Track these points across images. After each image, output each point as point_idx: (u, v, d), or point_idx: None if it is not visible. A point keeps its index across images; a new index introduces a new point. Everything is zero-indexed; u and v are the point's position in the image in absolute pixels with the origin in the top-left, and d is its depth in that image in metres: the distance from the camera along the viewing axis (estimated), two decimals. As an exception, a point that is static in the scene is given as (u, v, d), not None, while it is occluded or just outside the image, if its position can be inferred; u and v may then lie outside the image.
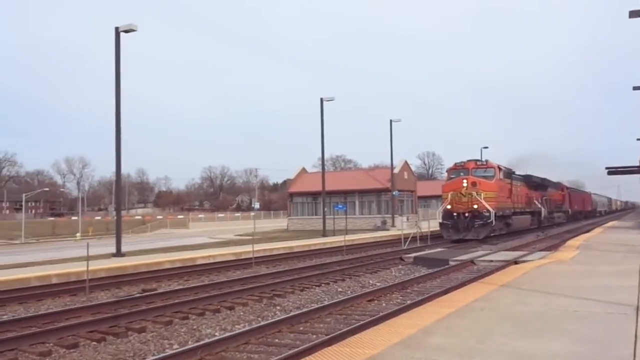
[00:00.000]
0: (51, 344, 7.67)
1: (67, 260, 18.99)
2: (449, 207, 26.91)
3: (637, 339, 5.35)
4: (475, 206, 25.89)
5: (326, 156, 36.96)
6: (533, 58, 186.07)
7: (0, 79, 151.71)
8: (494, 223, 25.61)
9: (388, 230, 38.04)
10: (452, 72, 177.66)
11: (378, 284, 13.38)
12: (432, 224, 28.22)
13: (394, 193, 42.04)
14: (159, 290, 12.50)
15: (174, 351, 6.90)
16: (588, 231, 30.49)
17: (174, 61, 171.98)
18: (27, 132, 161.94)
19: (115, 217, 22.95)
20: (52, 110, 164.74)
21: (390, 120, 41.25)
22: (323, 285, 13.24)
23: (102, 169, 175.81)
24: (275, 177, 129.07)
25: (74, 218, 78.82)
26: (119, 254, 19.74)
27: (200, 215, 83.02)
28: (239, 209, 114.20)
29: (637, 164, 28.70)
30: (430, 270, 15.21)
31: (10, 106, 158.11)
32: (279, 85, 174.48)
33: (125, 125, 20.69)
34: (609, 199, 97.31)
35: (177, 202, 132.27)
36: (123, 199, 67.75)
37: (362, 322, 8.04)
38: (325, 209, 35.44)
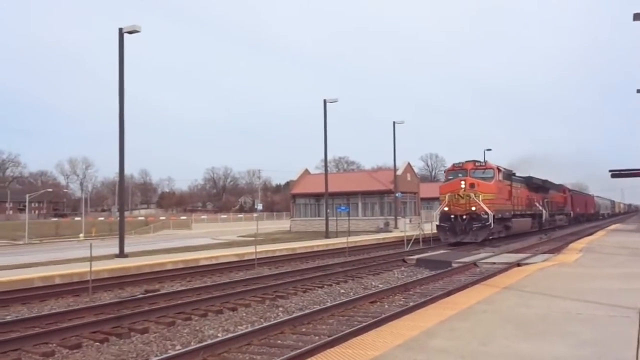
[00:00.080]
0: (54, 345, 7.70)
1: (71, 261, 19.04)
2: (446, 209, 26.29)
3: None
4: (474, 208, 25.29)
5: (329, 157, 37.02)
6: (533, 58, 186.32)
7: (2, 80, 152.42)
8: (492, 226, 25.05)
9: (391, 232, 38.01)
10: (453, 73, 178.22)
11: (380, 285, 13.37)
12: (434, 226, 28.13)
13: (396, 195, 42.01)
14: (162, 291, 12.52)
15: (177, 352, 6.91)
16: (591, 234, 30.41)
17: (174, 61, 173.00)
18: (30, 133, 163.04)
19: (118, 218, 23.00)
20: (54, 111, 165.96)
21: (394, 122, 41.25)
22: (326, 286, 13.25)
23: (106, 170, 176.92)
24: (278, 179, 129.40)
25: (77, 219, 79.04)
26: (122, 254, 19.78)
27: (203, 217, 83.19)
28: (241, 210, 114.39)
29: None
30: (433, 272, 15.20)
31: (13, 107, 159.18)
32: (280, 86, 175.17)
33: (127, 126, 20.74)
34: (612, 202, 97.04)
35: (180, 203, 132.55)
36: (126, 199, 67.99)
37: (364, 324, 8.04)
38: (328, 210, 35.43)
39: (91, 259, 13.43)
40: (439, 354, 5.06)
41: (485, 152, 49.84)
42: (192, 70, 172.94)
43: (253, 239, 26.65)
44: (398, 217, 41.98)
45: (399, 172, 43.73)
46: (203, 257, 18.80)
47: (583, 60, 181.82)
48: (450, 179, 27.40)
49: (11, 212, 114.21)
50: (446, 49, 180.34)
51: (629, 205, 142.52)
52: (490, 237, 25.72)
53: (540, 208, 35.70)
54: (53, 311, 10.23)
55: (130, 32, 20.51)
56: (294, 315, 9.32)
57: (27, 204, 59.80)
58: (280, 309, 10.43)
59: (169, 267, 16.76)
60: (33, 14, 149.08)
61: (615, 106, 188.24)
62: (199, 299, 10.88)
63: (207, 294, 11.88)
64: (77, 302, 11.51)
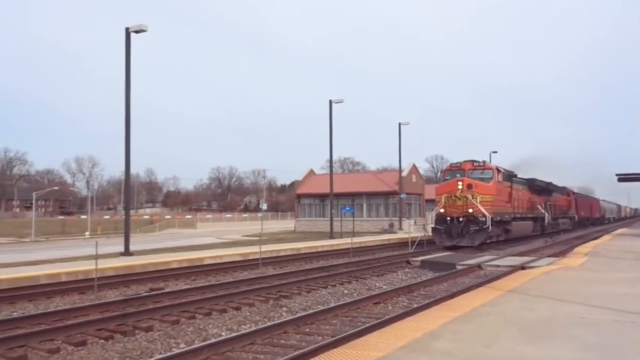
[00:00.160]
0: (60, 341, 7.74)
1: (76, 259, 19.13)
2: (442, 210, 25.06)
3: (644, 347, 5.33)
4: (471, 210, 24.10)
5: (334, 158, 37.01)
6: (533, 58, 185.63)
7: (2, 80, 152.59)
8: (490, 229, 23.91)
9: (395, 233, 37.95)
10: (453, 72, 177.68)
11: (384, 286, 13.38)
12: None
13: (401, 196, 41.95)
14: (167, 290, 12.57)
15: (181, 350, 6.94)
16: (596, 238, 30.24)
17: (174, 61, 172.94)
18: (36, 132, 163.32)
19: (123, 217, 23.10)
20: (61, 110, 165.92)
21: (399, 124, 41.23)
22: (329, 287, 13.26)
23: (112, 169, 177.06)
24: (283, 179, 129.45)
25: (83, 217, 79.47)
26: (127, 253, 19.87)
27: (208, 216, 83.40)
28: (246, 209, 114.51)
29: None
30: (437, 274, 15.18)
31: (19, 106, 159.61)
32: (281, 86, 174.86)
33: (134, 125, 20.85)
34: (618, 206, 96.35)
35: (185, 202, 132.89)
36: (132, 198, 68.19)
37: (368, 325, 8.05)
38: (333, 211, 35.44)
39: (97, 257, 13.52)
40: (442, 356, 5.06)
41: (491, 154, 49.72)
42: (192, 70, 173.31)
43: (257, 238, 26.68)
44: (403, 219, 41.93)
45: (404, 174, 43.69)
46: (208, 256, 18.85)
47: (583, 60, 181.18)
48: (447, 180, 26.15)
49: (18, 209, 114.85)
50: (446, 49, 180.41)
51: (636, 209, 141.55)
52: (488, 241, 24.79)
53: (543, 211, 34.64)
54: (59, 308, 10.29)
55: (137, 32, 20.59)
56: (298, 315, 9.33)
57: (33, 201, 60.10)
58: (284, 308, 10.45)
59: (174, 265, 16.82)
60: (33, 14, 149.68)
61: (616, 106, 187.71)
62: (203, 298, 10.91)
63: (212, 293, 11.92)
64: (83, 300, 11.59)
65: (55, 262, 18.11)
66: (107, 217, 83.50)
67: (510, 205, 27.91)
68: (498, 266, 16.73)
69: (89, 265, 14.30)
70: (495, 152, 50.81)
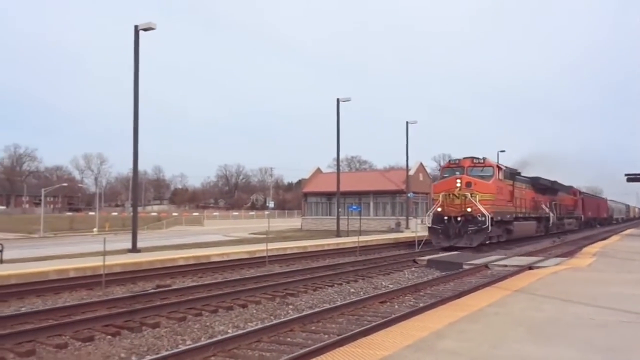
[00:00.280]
0: (67, 337, 7.81)
1: (84, 255, 19.26)
2: (439, 209, 23.86)
3: (653, 349, 5.29)
4: (469, 209, 22.96)
5: (341, 157, 36.94)
6: (533, 58, 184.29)
7: (2, 80, 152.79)
8: (489, 229, 22.81)
9: (402, 232, 37.89)
10: (454, 72, 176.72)
11: (391, 285, 13.36)
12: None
13: (408, 195, 41.87)
14: (173, 287, 12.62)
15: (187, 347, 6.97)
16: (605, 238, 30.02)
17: (178, 60, 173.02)
18: (36, 132, 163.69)
19: (131, 213, 23.22)
20: (61, 110, 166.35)
21: (407, 122, 41.17)
22: (336, 285, 13.26)
23: (120, 166, 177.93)
24: (290, 177, 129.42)
25: (91, 213, 79.96)
26: (134, 249, 19.98)
27: (215, 213, 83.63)
28: (253, 207, 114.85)
29: None
30: (444, 274, 15.14)
31: (13, 107, 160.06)
32: (283, 85, 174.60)
33: (142, 122, 20.91)
34: (627, 206, 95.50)
35: (193, 200, 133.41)
36: (139, 195, 68.57)
37: (374, 324, 8.04)
38: (340, 209, 35.44)
39: (104, 253, 13.61)
40: (448, 355, 5.04)
41: (499, 153, 49.49)
42: (196, 70, 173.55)
43: (264, 236, 26.75)
44: (410, 218, 41.86)
45: (411, 172, 43.59)
46: (214, 253, 18.92)
47: (583, 60, 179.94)
48: (445, 177, 24.90)
49: (27, 205, 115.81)
50: (446, 49, 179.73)
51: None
52: (488, 242, 23.85)
53: (547, 211, 33.60)
54: (67, 304, 10.38)
55: (145, 29, 20.66)
56: (304, 313, 9.34)
57: (42, 198, 60.52)
58: (290, 306, 10.47)
59: (181, 262, 16.89)
60: (33, 14, 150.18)
61: (616, 106, 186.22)
62: (210, 295, 10.95)
63: (218, 290, 11.97)
64: (91, 296, 11.67)
65: (63, 258, 18.24)
66: (115, 213, 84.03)
67: (512, 204, 26.97)
68: (505, 266, 16.66)
69: (96, 262, 14.39)
70: (503, 151, 50.61)
